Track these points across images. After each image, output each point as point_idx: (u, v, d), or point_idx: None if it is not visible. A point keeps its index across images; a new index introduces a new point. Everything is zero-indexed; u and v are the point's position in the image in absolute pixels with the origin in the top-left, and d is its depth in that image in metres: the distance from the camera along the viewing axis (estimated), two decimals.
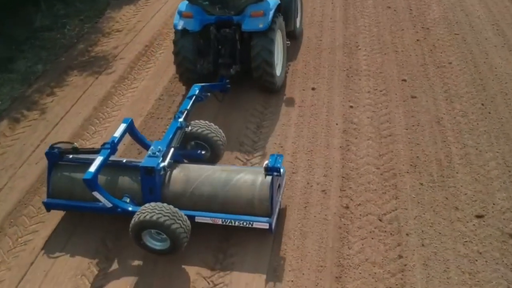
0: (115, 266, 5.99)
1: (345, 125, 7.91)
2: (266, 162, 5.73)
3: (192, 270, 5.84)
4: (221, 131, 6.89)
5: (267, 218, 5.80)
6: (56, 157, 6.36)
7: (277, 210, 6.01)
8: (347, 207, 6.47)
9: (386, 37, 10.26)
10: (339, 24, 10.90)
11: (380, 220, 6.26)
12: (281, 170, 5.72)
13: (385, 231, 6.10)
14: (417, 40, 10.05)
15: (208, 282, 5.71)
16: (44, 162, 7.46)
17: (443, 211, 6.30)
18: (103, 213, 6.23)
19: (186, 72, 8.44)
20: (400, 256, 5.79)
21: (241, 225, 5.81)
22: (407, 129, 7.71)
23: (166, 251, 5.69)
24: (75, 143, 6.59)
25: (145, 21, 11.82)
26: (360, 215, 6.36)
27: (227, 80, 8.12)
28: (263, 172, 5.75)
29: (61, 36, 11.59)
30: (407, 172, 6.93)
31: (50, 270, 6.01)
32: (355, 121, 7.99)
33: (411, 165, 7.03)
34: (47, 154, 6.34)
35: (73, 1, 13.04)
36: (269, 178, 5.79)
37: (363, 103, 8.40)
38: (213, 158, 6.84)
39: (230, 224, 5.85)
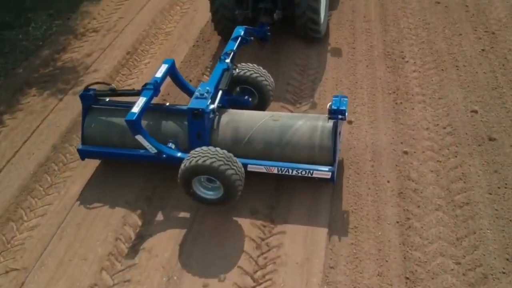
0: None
1: (400, 183, 5.60)
2: (329, 104, 5.17)
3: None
4: (270, 76, 6.28)
5: (329, 167, 5.20)
6: (92, 100, 5.83)
7: (337, 159, 5.35)
8: None
9: (439, 44, 7.85)
10: (376, 25, 8.48)
11: None
12: (346, 114, 5.15)
13: None
14: (482, 50, 7.63)
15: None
16: None
17: None
18: (144, 161, 5.71)
19: (223, 21, 7.76)
20: None
21: (299, 174, 5.23)
22: (490, 194, 5.39)
23: (217, 200, 5.19)
24: (113, 84, 6.13)
25: (128, 18, 9.38)
26: None
27: (268, 27, 7.32)
28: (326, 116, 5.29)
29: (24, 37, 9.19)
30: (503, 272, 4.64)
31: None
32: (414, 177, 5.66)
33: (507, 259, 4.74)
34: (82, 96, 5.80)
35: None
36: (331, 122, 5.27)
37: (422, 146, 6.06)
38: (260, 106, 6.24)
39: (286, 173, 5.25)
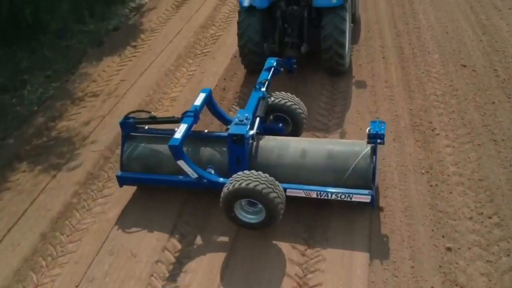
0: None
1: None
2: (368, 128, 5.33)
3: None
4: (303, 104, 6.52)
5: (368, 191, 5.28)
6: (131, 128, 6.02)
7: (376, 183, 5.45)
8: None
9: (472, 114, 7.15)
10: (400, 91, 7.82)
11: None
12: (384, 138, 5.30)
13: None
14: None
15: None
16: None
17: None
18: (183, 187, 5.87)
19: (250, 55, 8.02)
20: None
21: (339, 198, 5.34)
22: None
23: (258, 224, 5.27)
24: (153, 112, 6.26)
25: (131, 81, 8.74)
26: None
27: (294, 60, 7.37)
28: (364, 141, 5.41)
29: (18, 101, 8.54)
30: None
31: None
32: (463, 282, 4.82)
33: None
34: (121, 124, 5.97)
35: (41, 47, 10.01)
36: (369, 146, 5.40)
37: (467, 241, 5.24)
38: (294, 133, 6.44)
39: (325, 197, 5.35)
